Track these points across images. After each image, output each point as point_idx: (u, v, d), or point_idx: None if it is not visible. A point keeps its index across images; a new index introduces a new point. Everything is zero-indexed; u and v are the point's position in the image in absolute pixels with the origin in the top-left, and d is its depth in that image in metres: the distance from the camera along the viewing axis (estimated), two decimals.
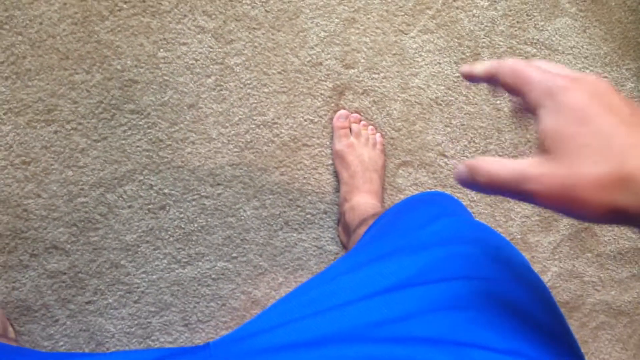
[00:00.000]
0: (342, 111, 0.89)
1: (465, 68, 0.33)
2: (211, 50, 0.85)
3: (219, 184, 0.87)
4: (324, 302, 0.40)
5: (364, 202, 0.85)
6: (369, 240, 0.55)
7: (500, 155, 0.96)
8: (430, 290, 0.38)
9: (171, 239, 0.86)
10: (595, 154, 0.25)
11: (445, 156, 0.94)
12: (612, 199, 0.25)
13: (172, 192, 0.85)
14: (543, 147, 0.28)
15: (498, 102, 0.95)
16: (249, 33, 0.86)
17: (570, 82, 0.28)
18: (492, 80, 0.31)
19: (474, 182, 0.30)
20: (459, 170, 0.31)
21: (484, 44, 0.94)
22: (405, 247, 0.44)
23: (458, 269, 0.40)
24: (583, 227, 1.01)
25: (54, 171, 0.81)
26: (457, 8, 0.93)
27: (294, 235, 0.90)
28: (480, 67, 0.32)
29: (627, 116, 0.26)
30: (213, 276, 0.88)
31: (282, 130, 0.88)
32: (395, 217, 0.56)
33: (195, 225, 0.86)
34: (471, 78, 0.33)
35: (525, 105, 0.29)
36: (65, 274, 0.83)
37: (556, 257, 1.01)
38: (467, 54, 0.94)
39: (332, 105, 0.90)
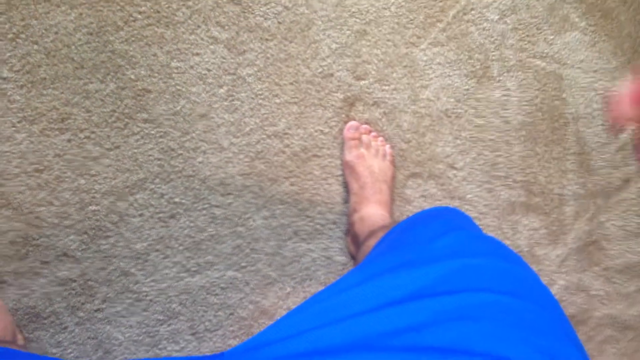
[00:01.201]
0: (352, 122, 0.90)
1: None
2: (224, 60, 0.85)
3: (229, 194, 0.87)
4: (337, 312, 0.40)
5: (374, 213, 0.85)
6: (380, 252, 0.55)
7: (508, 168, 0.97)
8: (442, 302, 0.38)
9: (181, 247, 0.86)
10: None
11: (455, 168, 0.95)
12: None
13: (183, 201, 0.86)
14: None
15: (507, 115, 0.96)
16: (262, 44, 0.86)
17: None
18: None
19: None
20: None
21: (493, 57, 0.95)
22: (417, 260, 0.44)
23: (469, 281, 0.40)
24: (590, 240, 1.01)
25: (66, 179, 0.82)
26: (468, 21, 0.93)
27: (303, 245, 0.90)
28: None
29: None
30: (222, 285, 0.88)
31: (293, 141, 0.89)
32: (406, 230, 0.56)
33: (205, 234, 0.87)
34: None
35: None
36: (75, 281, 0.83)
37: (563, 270, 1.01)
38: (477, 67, 0.94)
39: (343, 116, 0.90)
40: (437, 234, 0.49)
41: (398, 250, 0.51)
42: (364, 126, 0.90)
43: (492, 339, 0.35)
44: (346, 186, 0.91)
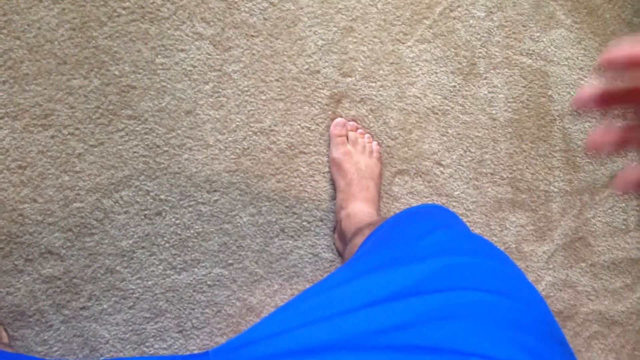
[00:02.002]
0: (339, 119, 0.90)
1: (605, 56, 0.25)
2: (209, 57, 0.85)
3: (215, 191, 0.87)
4: (323, 311, 0.40)
5: (360, 210, 0.85)
6: (366, 251, 0.55)
7: (495, 165, 0.97)
8: (428, 300, 0.38)
9: (167, 245, 0.86)
10: None
11: (441, 165, 0.95)
12: None
13: (169, 198, 0.85)
14: None
15: (494, 112, 0.96)
16: (247, 40, 0.86)
17: None
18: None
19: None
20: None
21: (480, 54, 0.95)
22: (403, 258, 0.44)
23: (455, 280, 0.40)
24: (577, 237, 1.02)
25: (50, 176, 0.81)
26: (454, 18, 0.94)
27: (290, 242, 0.90)
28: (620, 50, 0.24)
29: None
30: (209, 283, 0.88)
31: (279, 138, 0.88)
32: (393, 228, 0.56)
33: (192, 231, 0.86)
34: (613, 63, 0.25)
35: None
36: (60, 279, 0.83)
37: (550, 266, 1.01)
38: (464, 64, 0.94)
39: (329, 113, 0.90)
40: (424, 232, 0.49)
41: (384, 248, 0.51)
42: (351, 123, 0.90)
43: (478, 338, 0.35)
44: (333, 183, 0.91)
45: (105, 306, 0.85)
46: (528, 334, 0.36)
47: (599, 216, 1.02)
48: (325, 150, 0.90)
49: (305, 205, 0.90)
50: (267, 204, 0.89)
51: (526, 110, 0.97)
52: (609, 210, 1.02)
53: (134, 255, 0.85)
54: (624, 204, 1.03)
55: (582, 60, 0.99)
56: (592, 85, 0.24)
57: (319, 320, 0.39)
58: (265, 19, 0.86)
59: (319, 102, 0.89)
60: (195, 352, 0.88)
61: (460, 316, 0.36)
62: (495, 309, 0.38)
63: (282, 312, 0.42)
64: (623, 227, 1.03)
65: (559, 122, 0.99)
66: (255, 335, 0.40)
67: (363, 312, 0.38)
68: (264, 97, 0.87)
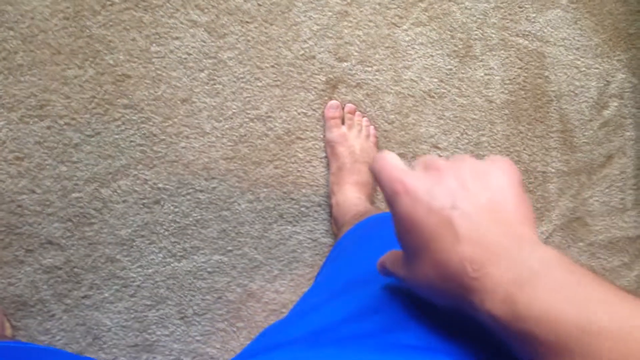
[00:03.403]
0: (333, 102, 0.89)
1: None
2: (204, 44, 0.85)
3: (213, 178, 0.87)
4: (314, 325, 0.39)
5: (350, 196, 0.85)
6: (327, 271, 0.54)
7: (492, 147, 0.97)
8: (410, 306, 0.38)
9: (166, 233, 0.86)
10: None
11: (439, 148, 0.95)
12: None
13: (167, 186, 0.85)
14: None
15: (490, 94, 0.96)
16: (242, 27, 0.86)
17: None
18: None
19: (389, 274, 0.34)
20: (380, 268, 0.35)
21: (476, 36, 0.94)
22: (357, 281, 0.43)
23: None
24: (575, 217, 1.02)
25: (47, 167, 0.81)
26: (450, 0, 0.93)
27: (289, 228, 0.90)
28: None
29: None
30: (208, 269, 0.88)
31: (276, 124, 0.88)
32: (351, 244, 0.56)
33: (190, 219, 0.87)
34: None
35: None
36: (60, 269, 0.83)
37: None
38: (460, 46, 0.94)
39: (326, 98, 0.90)
40: (375, 250, 0.47)
41: (343, 268, 0.50)
42: (349, 105, 0.90)
43: (468, 342, 0.34)
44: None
45: (106, 295, 0.85)
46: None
47: (596, 196, 1.02)
48: (322, 136, 0.90)
49: (303, 190, 0.90)
50: (265, 190, 0.89)
51: (523, 92, 0.97)
52: (606, 190, 1.03)
53: (134, 243, 0.85)
54: (621, 184, 1.03)
55: (578, 41, 0.98)
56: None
57: (315, 332, 0.38)
58: (259, 4, 0.86)
59: (315, 87, 0.89)
60: (197, 338, 0.89)
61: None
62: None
63: (273, 331, 0.41)
64: (620, 206, 1.03)
65: (556, 103, 0.99)
66: (249, 352, 0.39)
67: (349, 324, 0.37)
68: (259, 84, 0.87)
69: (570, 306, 0.22)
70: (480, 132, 0.96)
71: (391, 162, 0.31)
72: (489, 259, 0.25)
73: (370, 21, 0.90)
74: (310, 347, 0.35)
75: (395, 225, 0.30)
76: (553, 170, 1.00)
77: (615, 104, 1.01)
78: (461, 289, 0.26)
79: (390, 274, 0.33)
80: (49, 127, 0.80)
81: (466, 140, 0.96)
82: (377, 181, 0.31)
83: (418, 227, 0.28)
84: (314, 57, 0.89)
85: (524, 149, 0.98)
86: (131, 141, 0.83)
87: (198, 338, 0.89)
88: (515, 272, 0.24)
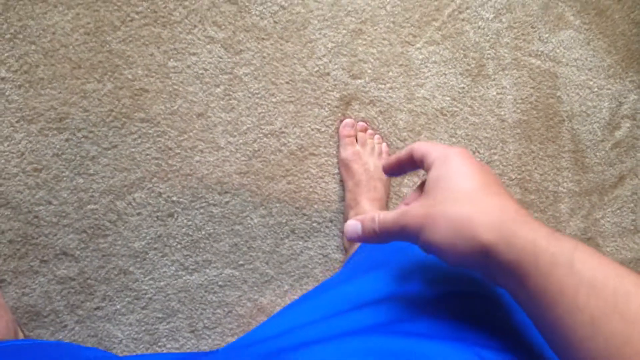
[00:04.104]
0: (348, 120, 0.90)
1: (385, 163, 0.42)
2: (220, 60, 0.86)
3: (226, 192, 0.88)
4: (327, 309, 0.41)
5: (367, 210, 0.86)
6: (364, 251, 0.57)
7: (504, 166, 0.97)
8: (424, 297, 0.40)
9: (179, 246, 0.87)
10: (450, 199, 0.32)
11: None
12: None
13: (181, 199, 0.86)
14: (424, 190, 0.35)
15: (503, 113, 0.96)
16: (258, 43, 0.87)
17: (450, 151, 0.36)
18: (408, 159, 0.39)
19: (369, 233, 0.36)
20: (350, 227, 0.38)
21: (489, 56, 0.95)
22: (396, 261, 0.46)
23: (449, 281, 0.42)
24: (586, 237, 1.02)
25: (64, 178, 0.82)
26: (463, 20, 0.94)
27: (300, 243, 0.91)
28: (395, 155, 0.41)
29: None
30: (220, 283, 0.89)
31: (290, 140, 0.89)
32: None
33: (203, 232, 0.87)
34: (395, 168, 0.41)
35: (422, 167, 0.38)
36: (74, 280, 0.84)
37: None
38: (472, 65, 0.95)
39: (339, 115, 0.91)
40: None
41: (380, 249, 0.53)
42: (360, 124, 0.91)
43: (472, 332, 0.36)
44: (343, 184, 0.91)
45: (118, 306, 0.86)
46: (525, 331, 0.37)
47: (607, 217, 1.02)
48: (335, 152, 0.91)
49: (315, 206, 0.91)
50: (277, 205, 0.89)
51: (535, 111, 0.98)
52: (618, 211, 1.02)
53: (147, 256, 0.86)
54: (632, 205, 1.03)
55: (590, 61, 0.99)
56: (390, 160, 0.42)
57: (322, 319, 0.40)
58: (275, 22, 0.87)
59: (328, 104, 0.90)
60: (204, 351, 0.89)
61: (456, 313, 0.38)
62: (486, 308, 0.39)
63: (288, 312, 0.44)
64: (632, 227, 1.03)
65: (568, 123, 0.99)
66: (262, 334, 0.41)
67: (365, 310, 0.40)
68: (274, 100, 0.88)
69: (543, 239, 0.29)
70: (492, 150, 0.97)
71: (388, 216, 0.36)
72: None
73: (384, 39, 0.92)
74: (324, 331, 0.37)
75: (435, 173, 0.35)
76: (564, 190, 1.00)
77: (628, 125, 1.01)
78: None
79: (383, 230, 0.36)
80: (67, 140, 0.82)
81: (478, 159, 0.96)
82: (400, 231, 0.35)
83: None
84: (328, 74, 0.90)
85: (536, 169, 0.98)
86: (147, 154, 0.85)
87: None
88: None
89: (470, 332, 0.35)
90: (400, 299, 0.40)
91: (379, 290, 0.41)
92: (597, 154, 1.00)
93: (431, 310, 0.38)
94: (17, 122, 0.80)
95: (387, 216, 0.35)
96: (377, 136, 0.92)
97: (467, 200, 0.31)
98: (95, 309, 0.85)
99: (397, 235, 0.35)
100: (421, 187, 0.39)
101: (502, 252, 0.29)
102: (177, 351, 0.88)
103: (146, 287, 0.86)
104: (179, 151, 0.86)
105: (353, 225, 0.37)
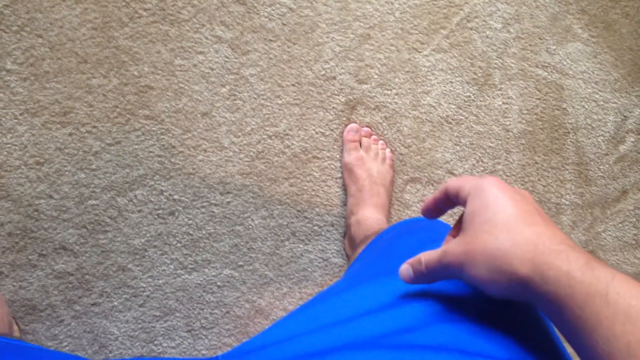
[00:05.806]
0: (352, 124, 0.90)
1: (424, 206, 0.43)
2: (227, 60, 0.86)
3: (228, 192, 0.87)
4: (328, 317, 0.41)
5: (370, 216, 0.85)
6: (368, 258, 0.57)
7: (507, 177, 0.97)
8: (429, 305, 0.39)
9: (179, 244, 0.87)
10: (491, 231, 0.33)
11: (454, 174, 0.95)
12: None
13: (182, 198, 0.86)
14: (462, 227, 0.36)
15: (508, 123, 0.96)
16: (265, 45, 0.87)
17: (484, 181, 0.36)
18: (444, 198, 0.40)
19: (419, 275, 0.37)
20: (404, 271, 0.39)
21: (495, 65, 0.95)
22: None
23: (451, 287, 0.41)
24: (587, 250, 1.01)
25: (66, 173, 0.82)
26: (471, 29, 0.94)
27: (301, 246, 0.90)
28: (431, 196, 0.42)
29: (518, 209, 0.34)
30: (218, 283, 0.88)
31: (293, 142, 0.89)
32: (392, 239, 0.58)
33: (203, 232, 0.87)
34: (433, 209, 0.42)
35: (459, 202, 0.39)
36: (72, 275, 0.84)
37: None
38: (479, 75, 0.95)
39: (344, 119, 0.91)
40: (423, 242, 0.49)
41: (384, 257, 0.52)
42: (365, 129, 0.91)
43: (480, 339, 0.36)
44: (345, 189, 0.91)
45: (115, 303, 0.85)
46: (525, 337, 0.37)
47: (609, 230, 1.02)
48: (338, 156, 0.91)
49: (317, 209, 0.91)
50: (279, 207, 0.89)
51: (540, 123, 0.97)
52: (620, 225, 1.02)
53: (146, 253, 0.86)
54: (634, 219, 1.02)
55: (597, 74, 0.99)
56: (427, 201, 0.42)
57: (325, 327, 0.40)
58: (283, 24, 0.87)
59: (334, 107, 0.90)
60: (203, 352, 0.89)
61: (461, 320, 0.38)
62: (492, 314, 0.39)
63: (288, 320, 0.43)
64: (633, 242, 1.03)
65: (572, 135, 0.99)
66: (263, 341, 0.41)
67: (367, 318, 0.39)
68: (279, 102, 0.88)
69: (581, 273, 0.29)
70: (495, 160, 0.96)
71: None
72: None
73: (391, 45, 0.91)
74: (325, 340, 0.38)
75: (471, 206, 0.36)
76: (567, 203, 1.00)
77: (632, 139, 1.01)
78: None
79: (430, 271, 0.37)
80: (70, 134, 0.81)
81: (482, 168, 0.96)
82: (441, 265, 0.36)
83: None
84: (334, 78, 0.89)
85: (539, 180, 0.98)
86: (150, 152, 0.84)
87: (204, 352, 0.88)
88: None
89: (479, 341, 0.35)
90: (404, 307, 0.39)
91: (382, 298, 0.41)
92: (601, 167, 1.00)
93: (437, 319, 0.37)
94: (20, 114, 0.80)
95: (431, 257, 0.36)
96: (381, 142, 0.92)
97: (503, 232, 0.32)
98: (92, 304, 0.85)
99: (443, 274, 0.36)
100: (460, 220, 0.40)
101: (538, 284, 0.30)
102: (173, 350, 0.88)
103: (144, 285, 0.86)
104: (182, 150, 0.85)
105: (406, 269, 0.39)
